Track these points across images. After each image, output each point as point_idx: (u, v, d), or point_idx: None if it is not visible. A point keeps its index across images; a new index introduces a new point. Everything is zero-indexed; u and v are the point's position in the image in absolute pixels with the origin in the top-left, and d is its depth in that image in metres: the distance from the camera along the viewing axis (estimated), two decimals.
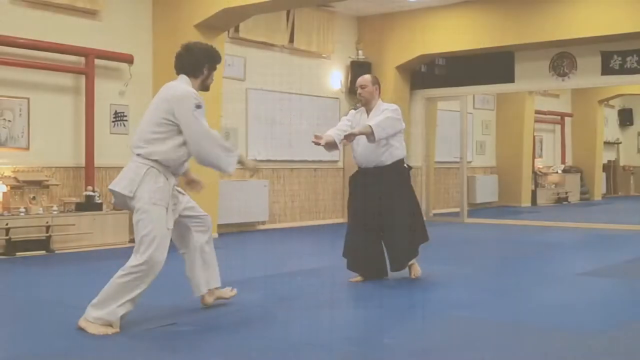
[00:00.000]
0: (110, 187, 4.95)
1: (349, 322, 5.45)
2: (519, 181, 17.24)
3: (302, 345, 4.52)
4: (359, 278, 6.76)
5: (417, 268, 6.83)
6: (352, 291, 6.44)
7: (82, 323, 4.80)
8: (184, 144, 4.90)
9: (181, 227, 5.27)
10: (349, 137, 6.47)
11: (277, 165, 12.49)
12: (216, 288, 5.51)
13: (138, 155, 4.87)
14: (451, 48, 13.21)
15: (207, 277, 5.42)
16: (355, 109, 7.17)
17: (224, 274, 5.81)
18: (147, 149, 4.84)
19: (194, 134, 4.86)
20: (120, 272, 4.80)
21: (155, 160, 4.84)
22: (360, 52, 13.97)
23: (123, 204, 5.00)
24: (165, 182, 4.89)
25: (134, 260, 4.79)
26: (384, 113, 6.53)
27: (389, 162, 6.61)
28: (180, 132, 4.87)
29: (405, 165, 6.78)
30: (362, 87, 6.74)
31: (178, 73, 5.11)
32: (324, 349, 4.44)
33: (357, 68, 13.64)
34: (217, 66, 5.21)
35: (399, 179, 6.68)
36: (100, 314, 4.76)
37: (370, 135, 6.36)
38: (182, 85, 4.99)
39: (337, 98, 13.62)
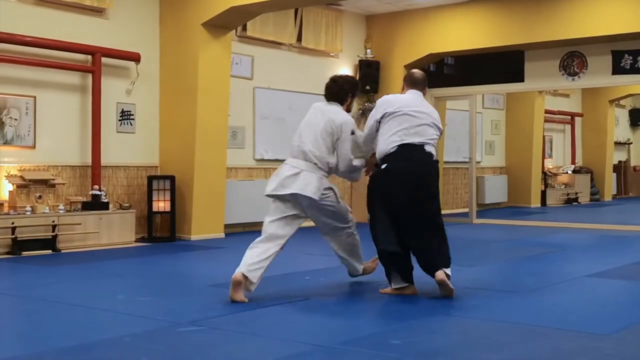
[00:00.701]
0: (296, 191, 5.89)
1: (357, 323, 5.44)
2: (528, 181, 17.23)
3: (309, 346, 4.53)
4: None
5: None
6: (360, 292, 6.44)
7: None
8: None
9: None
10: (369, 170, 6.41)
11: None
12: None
13: (315, 164, 5.99)
14: (460, 47, 13.19)
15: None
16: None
17: (229, 274, 5.80)
18: (326, 159, 6.02)
19: (345, 151, 6.08)
20: (352, 232, 6.38)
21: (327, 170, 6.08)
22: (368, 51, 13.96)
23: (295, 202, 6.00)
24: None
25: (350, 223, 6.35)
26: None
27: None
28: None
29: (379, 163, 6.11)
30: None
31: (328, 100, 6.26)
32: (331, 350, 4.46)
33: (366, 67, 13.70)
34: (357, 93, 6.46)
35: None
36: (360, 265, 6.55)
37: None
38: (343, 112, 6.20)
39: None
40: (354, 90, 6.36)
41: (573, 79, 12.84)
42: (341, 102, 6.25)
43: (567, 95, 19.19)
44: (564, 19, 11.96)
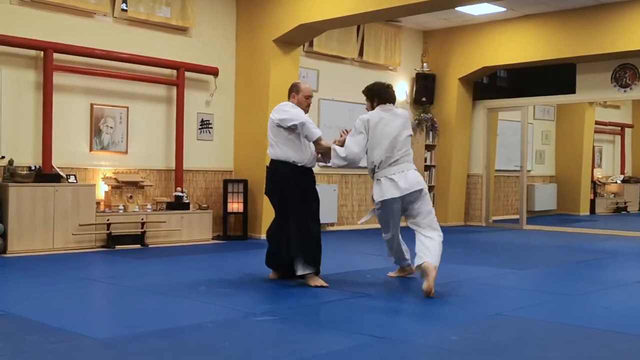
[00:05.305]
0: (414, 189, 6.60)
1: (416, 319, 5.52)
2: (577, 190, 17.00)
3: (370, 338, 4.63)
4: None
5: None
6: (419, 288, 6.39)
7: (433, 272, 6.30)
8: None
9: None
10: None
11: (345, 171, 12.75)
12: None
13: (410, 162, 6.77)
14: (513, 60, 13.39)
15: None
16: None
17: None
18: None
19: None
20: (439, 238, 6.50)
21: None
22: (425, 64, 14.37)
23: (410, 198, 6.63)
24: None
25: (439, 231, 6.59)
26: None
27: None
28: None
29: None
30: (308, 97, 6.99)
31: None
32: (391, 342, 4.56)
33: (422, 79, 14.06)
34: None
35: None
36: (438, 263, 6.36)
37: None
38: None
39: (403, 109, 14.21)
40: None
41: (625, 91, 12.86)
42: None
43: (617, 107, 18.58)
44: (616, 32, 11.98)
